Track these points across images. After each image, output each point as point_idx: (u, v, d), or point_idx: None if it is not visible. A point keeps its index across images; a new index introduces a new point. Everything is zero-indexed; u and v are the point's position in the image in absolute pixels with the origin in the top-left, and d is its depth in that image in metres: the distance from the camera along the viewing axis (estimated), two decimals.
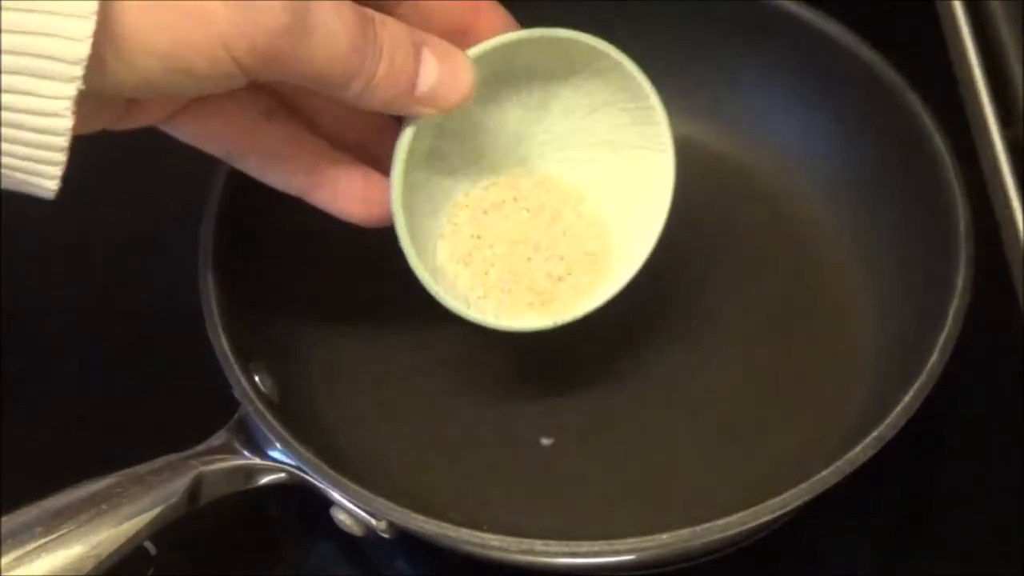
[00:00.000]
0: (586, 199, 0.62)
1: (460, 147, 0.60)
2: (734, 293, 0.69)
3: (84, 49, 0.43)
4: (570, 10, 0.72)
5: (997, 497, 0.64)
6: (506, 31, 0.57)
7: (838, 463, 0.56)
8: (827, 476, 0.56)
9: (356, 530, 0.60)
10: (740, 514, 0.56)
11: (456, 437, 0.65)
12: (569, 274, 0.60)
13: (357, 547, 0.64)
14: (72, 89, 0.44)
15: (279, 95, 0.57)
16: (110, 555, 0.56)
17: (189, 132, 0.55)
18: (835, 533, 0.64)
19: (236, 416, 0.60)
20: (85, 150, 0.78)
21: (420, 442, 0.65)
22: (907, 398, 0.58)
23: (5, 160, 0.45)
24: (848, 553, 0.64)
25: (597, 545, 0.56)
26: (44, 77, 0.43)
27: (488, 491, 0.64)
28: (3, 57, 0.43)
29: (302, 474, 0.59)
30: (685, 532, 0.56)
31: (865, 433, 0.57)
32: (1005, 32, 0.75)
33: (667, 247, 0.70)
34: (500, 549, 0.57)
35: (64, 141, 0.45)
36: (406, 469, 0.64)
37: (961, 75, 0.75)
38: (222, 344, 0.61)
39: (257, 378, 0.61)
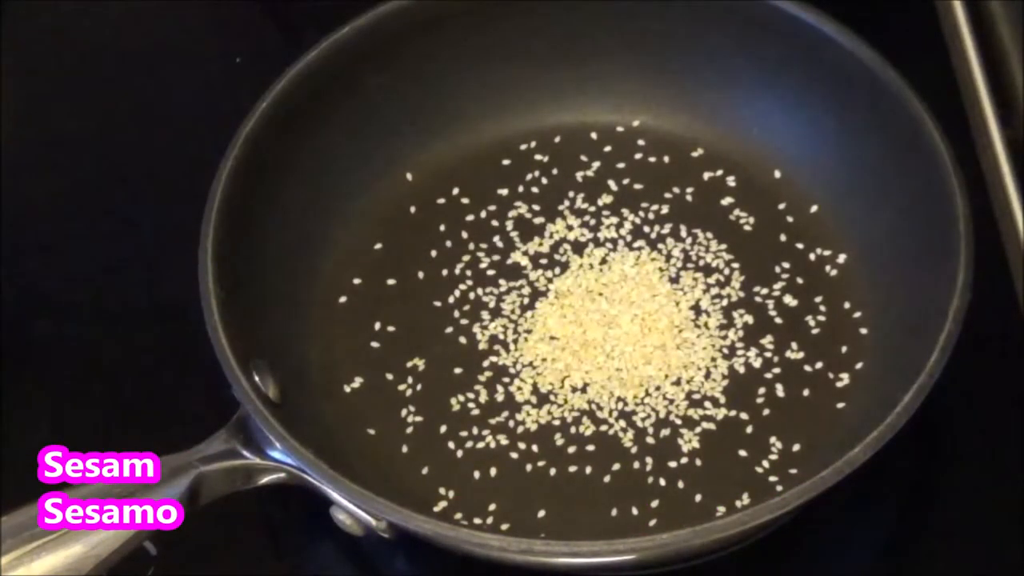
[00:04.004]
0: None
1: None
2: (734, 293, 0.69)
3: None
4: (571, 10, 0.72)
5: (997, 497, 0.64)
6: None
7: (838, 463, 0.56)
8: (827, 476, 0.56)
9: (356, 530, 0.60)
10: (740, 514, 0.56)
11: (456, 437, 0.65)
12: None
13: (357, 547, 0.64)
14: None
15: None
16: (110, 555, 0.56)
17: None
18: (835, 533, 0.64)
19: (236, 416, 0.60)
20: (86, 149, 0.79)
21: (420, 442, 0.65)
22: (907, 398, 0.58)
23: None
24: (848, 553, 0.64)
25: (597, 545, 0.56)
26: None
27: (488, 491, 0.64)
28: None
29: (302, 474, 0.59)
30: (685, 532, 0.56)
31: (865, 433, 0.57)
32: (1005, 32, 0.75)
33: (667, 247, 0.71)
34: (500, 549, 0.57)
35: None
36: (406, 469, 0.64)
37: (961, 75, 0.75)
38: (222, 344, 0.61)
39: (257, 378, 0.61)
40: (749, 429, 0.65)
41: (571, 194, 0.72)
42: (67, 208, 0.76)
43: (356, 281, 0.70)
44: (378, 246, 0.71)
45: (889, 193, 0.67)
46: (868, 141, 0.68)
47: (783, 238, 0.70)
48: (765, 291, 0.69)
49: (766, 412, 0.65)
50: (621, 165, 0.73)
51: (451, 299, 0.69)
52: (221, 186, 0.65)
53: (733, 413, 0.65)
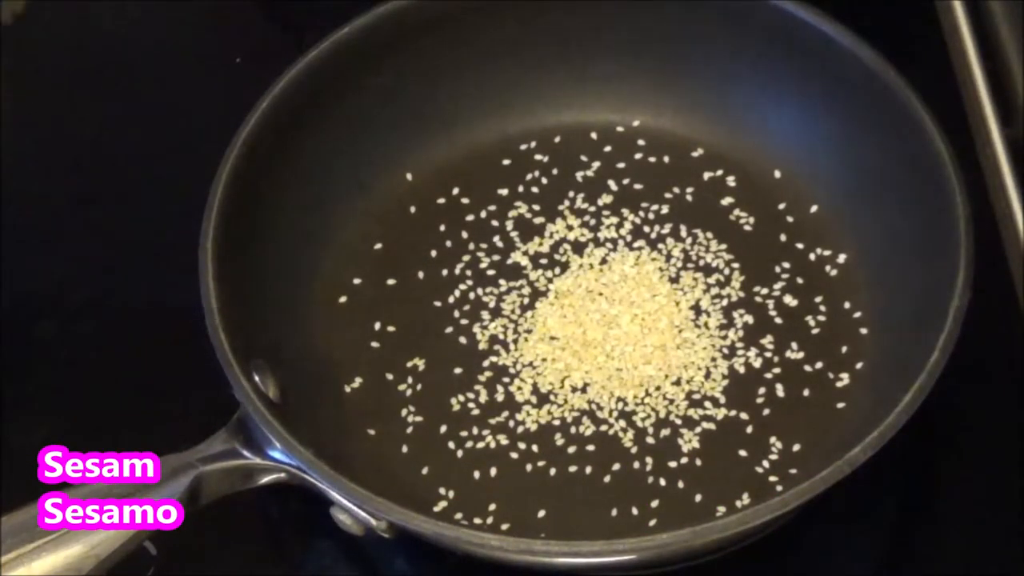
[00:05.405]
0: None
1: None
2: (734, 293, 0.69)
3: None
4: (571, 11, 0.72)
5: (997, 497, 0.64)
6: None
7: (838, 463, 0.56)
8: (827, 476, 0.56)
9: (356, 530, 0.59)
10: (740, 514, 0.56)
11: (456, 437, 0.65)
12: None
13: (357, 547, 0.64)
14: None
15: None
16: (110, 555, 0.56)
17: None
18: (835, 533, 0.64)
19: (236, 416, 0.60)
20: (86, 149, 0.79)
21: (420, 442, 0.65)
22: (907, 398, 0.58)
23: None
24: (848, 553, 0.64)
25: (597, 545, 0.56)
26: None
27: (488, 491, 0.64)
28: None
29: (302, 474, 0.59)
30: (685, 532, 0.56)
31: (865, 433, 0.57)
32: (1005, 32, 0.75)
33: (667, 247, 0.71)
34: (500, 549, 0.57)
35: None
36: (406, 469, 0.64)
37: (961, 75, 0.75)
38: (222, 344, 0.61)
39: (257, 378, 0.61)
40: (749, 429, 0.65)
41: (571, 194, 0.72)
42: (67, 208, 0.76)
43: (356, 281, 0.70)
44: (378, 246, 0.71)
45: (889, 193, 0.67)
46: (868, 141, 0.68)
47: (783, 238, 0.70)
48: (765, 291, 0.69)
49: (766, 412, 0.65)
50: (621, 165, 0.73)
51: (451, 299, 0.69)
52: (221, 186, 0.65)
53: (733, 413, 0.65)
